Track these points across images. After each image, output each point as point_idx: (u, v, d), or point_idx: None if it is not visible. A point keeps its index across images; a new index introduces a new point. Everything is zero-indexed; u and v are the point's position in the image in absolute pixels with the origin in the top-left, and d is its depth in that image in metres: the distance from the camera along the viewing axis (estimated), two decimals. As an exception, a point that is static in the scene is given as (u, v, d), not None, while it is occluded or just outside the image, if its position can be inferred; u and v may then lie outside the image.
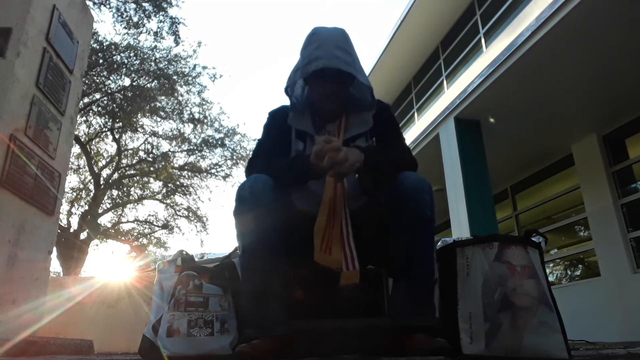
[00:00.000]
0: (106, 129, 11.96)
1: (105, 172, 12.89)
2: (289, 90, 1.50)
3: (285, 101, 1.54)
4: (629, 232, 5.59)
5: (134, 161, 13.04)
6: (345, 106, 1.49)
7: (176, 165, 13.20)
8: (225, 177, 13.42)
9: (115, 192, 13.18)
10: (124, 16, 9.58)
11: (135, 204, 13.56)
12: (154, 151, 12.71)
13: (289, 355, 1.20)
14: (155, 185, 13.74)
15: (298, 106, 1.51)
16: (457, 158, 5.79)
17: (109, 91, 10.77)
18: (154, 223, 14.04)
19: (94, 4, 9.12)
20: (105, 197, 12.80)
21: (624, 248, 5.53)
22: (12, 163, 2.36)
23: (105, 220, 13.68)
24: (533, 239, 1.31)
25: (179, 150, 13.10)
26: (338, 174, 1.25)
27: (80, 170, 12.52)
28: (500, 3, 6.34)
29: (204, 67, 11.77)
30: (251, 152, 1.52)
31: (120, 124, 11.68)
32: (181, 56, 11.47)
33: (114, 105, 10.89)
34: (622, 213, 5.71)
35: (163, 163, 12.62)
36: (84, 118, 11.01)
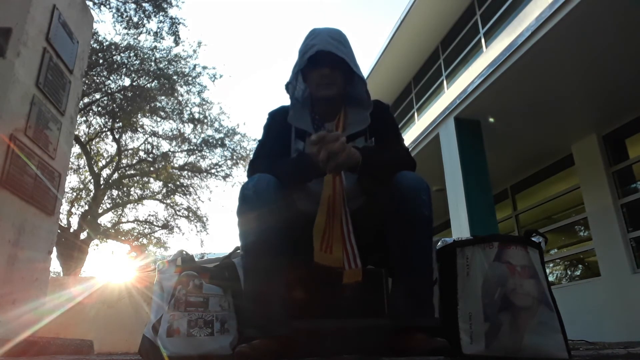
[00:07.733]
0: (106, 129, 11.96)
1: (105, 172, 12.91)
2: (289, 88, 1.51)
3: (286, 101, 1.55)
4: (629, 232, 5.58)
5: (134, 161, 13.05)
6: (342, 100, 1.50)
7: (176, 165, 13.20)
8: (225, 177, 13.45)
9: (115, 192, 13.19)
10: (124, 16, 9.59)
11: (135, 204, 13.57)
12: (154, 151, 12.72)
13: (289, 355, 1.20)
14: (155, 185, 13.77)
15: (297, 105, 1.52)
16: (457, 158, 5.78)
17: (109, 91, 10.76)
18: (154, 223, 14.05)
19: (94, 4, 9.13)
20: (105, 197, 12.80)
21: (624, 248, 5.52)
22: (12, 163, 2.36)
23: (105, 220, 13.70)
24: (533, 239, 1.31)
25: (179, 150, 13.11)
26: (336, 165, 1.23)
27: (80, 170, 12.54)
28: (500, 3, 6.34)
29: (204, 67, 11.80)
30: (251, 153, 1.51)
31: (120, 124, 11.67)
32: (181, 56, 11.50)
33: (114, 105, 10.89)
34: (622, 213, 5.71)
35: (163, 163, 12.62)
36: (84, 118, 11.02)
